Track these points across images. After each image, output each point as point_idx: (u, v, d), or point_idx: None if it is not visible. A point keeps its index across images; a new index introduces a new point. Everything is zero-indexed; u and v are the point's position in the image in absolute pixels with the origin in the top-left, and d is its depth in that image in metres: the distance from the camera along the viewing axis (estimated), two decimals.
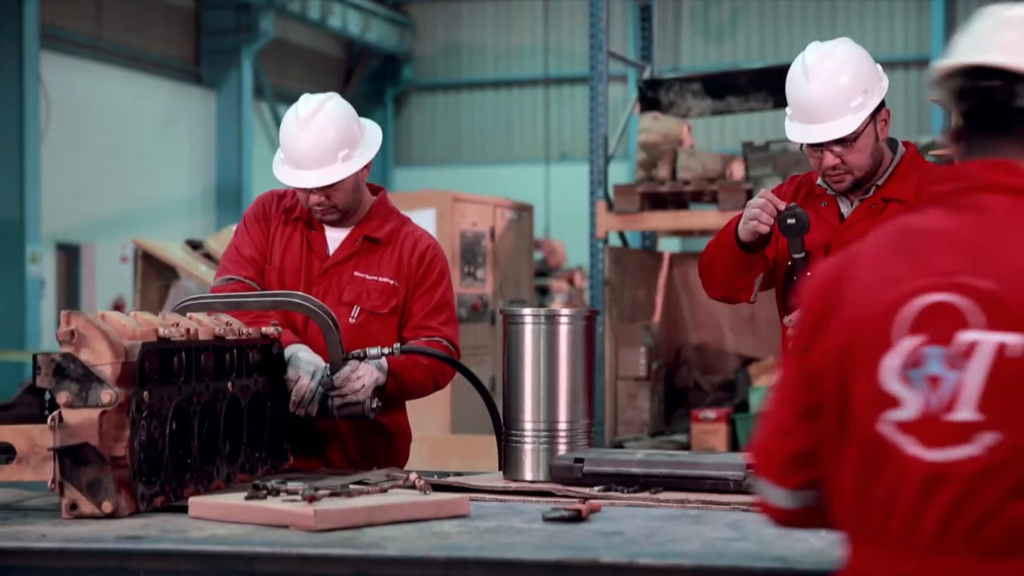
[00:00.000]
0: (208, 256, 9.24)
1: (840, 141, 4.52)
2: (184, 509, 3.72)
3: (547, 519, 3.45)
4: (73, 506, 3.61)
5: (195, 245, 9.52)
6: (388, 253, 4.98)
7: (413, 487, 3.74)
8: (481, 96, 26.98)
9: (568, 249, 20.50)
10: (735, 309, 10.47)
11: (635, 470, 3.92)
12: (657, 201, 9.93)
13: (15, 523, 3.56)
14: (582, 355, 4.22)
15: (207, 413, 4.09)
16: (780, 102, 9.63)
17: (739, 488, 3.78)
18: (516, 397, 4.23)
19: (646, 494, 3.81)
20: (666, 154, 9.65)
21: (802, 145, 4.67)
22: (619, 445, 10.02)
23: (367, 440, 4.94)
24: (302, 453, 4.79)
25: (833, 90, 4.50)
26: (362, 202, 5.00)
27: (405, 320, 4.96)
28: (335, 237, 5.00)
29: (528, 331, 4.23)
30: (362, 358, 4.62)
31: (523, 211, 11.73)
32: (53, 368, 3.64)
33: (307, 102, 4.90)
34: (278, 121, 24.06)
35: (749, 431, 4.82)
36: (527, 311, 4.25)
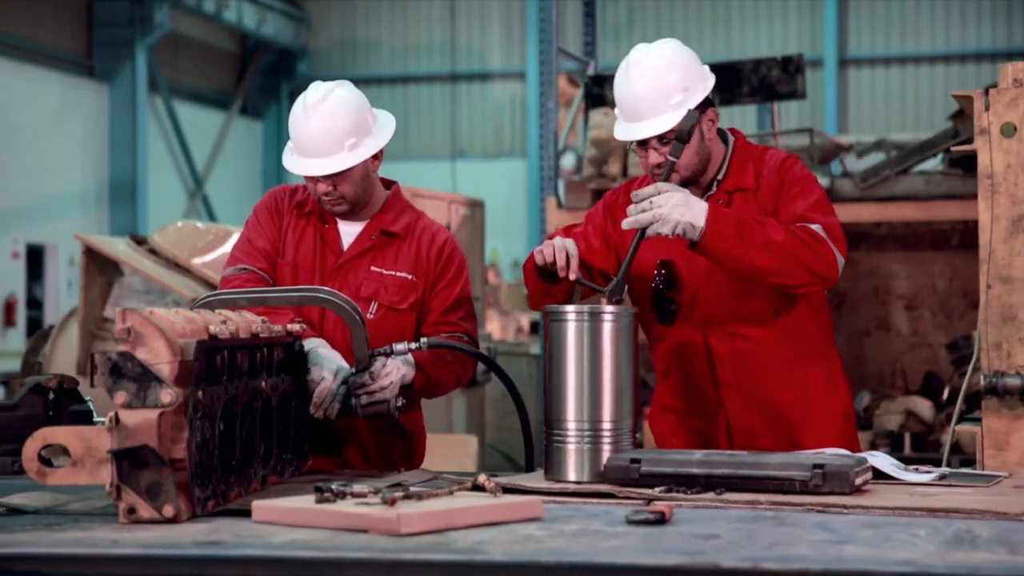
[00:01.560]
0: (153, 252, 9.04)
1: (663, 138, 4.54)
2: (238, 513, 3.60)
3: (631, 521, 3.37)
4: (131, 510, 3.47)
5: (139, 240, 9.31)
6: (405, 247, 4.88)
7: (481, 489, 3.64)
8: (378, 92, 26.76)
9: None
10: None
11: (695, 471, 3.84)
12: None
13: (73, 528, 3.41)
14: (627, 353, 4.15)
15: (246, 413, 3.98)
16: (726, 99, 9.70)
17: (805, 488, 3.72)
18: (559, 396, 4.13)
19: (711, 495, 3.74)
20: (617, 150, 9.62)
21: (629, 146, 4.70)
22: None
23: (385, 440, 4.84)
24: (320, 453, 4.67)
25: (653, 88, 4.54)
26: (373, 194, 4.90)
27: (424, 316, 4.86)
28: (349, 231, 4.89)
29: (571, 328, 4.14)
30: (389, 354, 4.51)
31: (475, 207, 11.64)
32: (110, 367, 3.49)
33: (316, 89, 4.80)
34: (172, 116, 23.77)
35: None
36: (570, 308, 4.16)
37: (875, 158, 9.77)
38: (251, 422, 4.01)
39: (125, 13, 22.79)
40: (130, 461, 3.46)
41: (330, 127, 4.71)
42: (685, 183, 4.60)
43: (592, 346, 4.12)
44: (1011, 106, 4.77)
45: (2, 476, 4.56)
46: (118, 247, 9.05)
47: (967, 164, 5.04)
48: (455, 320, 4.87)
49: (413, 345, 4.53)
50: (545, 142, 9.72)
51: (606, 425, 4.11)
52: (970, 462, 6.00)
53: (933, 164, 9.49)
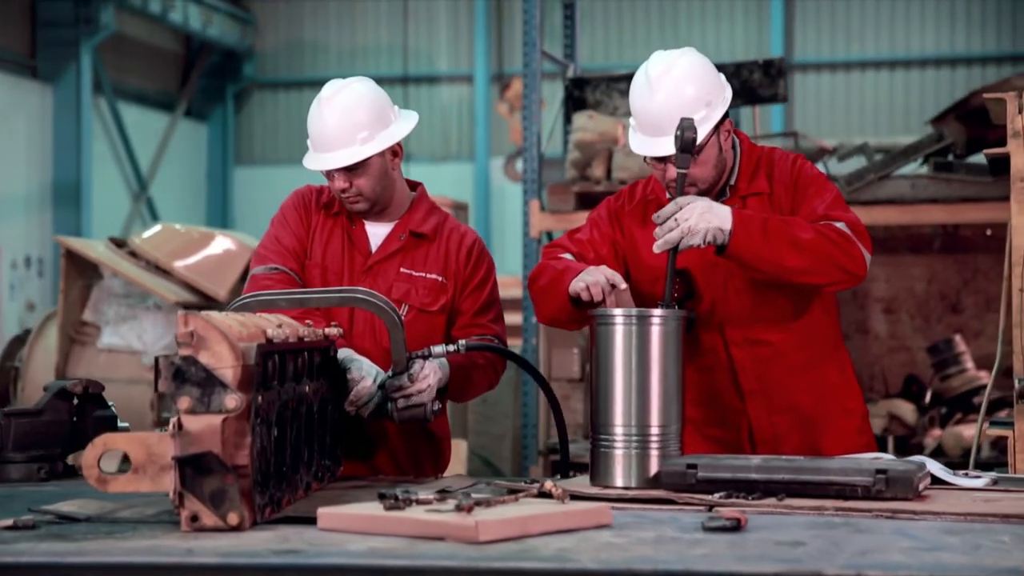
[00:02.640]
0: (133, 254, 8.92)
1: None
2: (296, 520, 3.52)
3: (708, 528, 3.32)
4: (194, 518, 3.38)
5: (119, 243, 9.19)
6: (434, 249, 4.82)
7: (548, 495, 3.59)
8: None
9: None
10: None
11: (755, 476, 3.80)
12: (592, 201, 9.82)
13: (137, 536, 3.33)
14: (675, 356, 4.10)
15: (294, 419, 3.91)
16: None
17: (868, 494, 3.69)
18: (606, 400, 4.07)
19: (772, 501, 3.71)
20: (601, 153, 9.57)
21: (648, 158, 4.60)
22: (554, 449, 9.89)
23: (415, 445, 4.79)
24: (350, 458, 4.61)
25: (677, 103, 4.45)
26: (396, 193, 4.84)
27: (454, 318, 4.81)
28: (377, 232, 4.83)
29: (619, 332, 4.09)
30: (427, 357, 4.45)
31: (459, 210, 11.59)
32: (173, 371, 3.41)
33: (331, 84, 4.79)
34: (117, 117, 23.52)
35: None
36: (618, 311, 4.11)
37: (857, 162, 9.80)
38: (298, 427, 3.94)
39: (70, 13, 22.50)
40: (193, 468, 3.38)
41: (343, 121, 4.67)
42: (701, 195, 4.53)
43: (640, 349, 4.07)
44: None
45: (29, 483, 4.48)
46: (98, 250, 8.94)
47: (996, 167, 5.01)
48: (485, 322, 4.82)
49: (451, 347, 4.46)
50: (529, 144, 9.65)
51: (654, 430, 4.06)
52: (960, 465, 5.99)
53: (912, 168, 9.51)
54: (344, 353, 4.45)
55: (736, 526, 3.32)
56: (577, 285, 4.33)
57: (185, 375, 3.41)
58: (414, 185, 4.96)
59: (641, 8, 25.49)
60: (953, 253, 10.56)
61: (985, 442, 8.07)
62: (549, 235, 10.25)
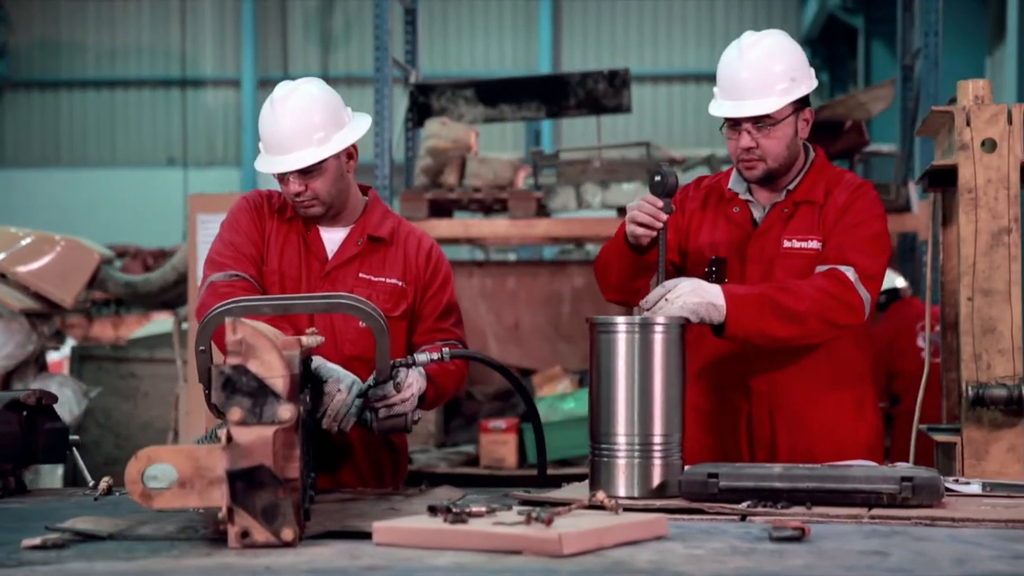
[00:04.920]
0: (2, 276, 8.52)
1: (759, 123, 4.58)
2: (342, 535, 3.39)
3: (776, 539, 3.29)
4: (245, 534, 3.23)
5: None
6: (392, 253, 4.72)
7: (601, 507, 3.51)
8: (82, 96, 25.92)
9: None
10: (499, 318, 10.40)
11: (778, 485, 3.79)
12: (445, 208, 9.74)
13: (190, 555, 3.17)
14: (676, 364, 4.06)
15: (306, 430, 3.77)
16: (553, 111, 9.69)
17: (892, 501, 3.71)
18: (608, 409, 4.01)
19: (801, 509, 3.70)
20: (454, 160, 9.48)
21: (722, 127, 4.71)
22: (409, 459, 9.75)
23: (377, 456, 4.69)
24: (315, 470, 4.45)
25: (763, 70, 4.59)
26: (350, 198, 4.73)
27: (415, 324, 4.70)
28: (332, 238, 4.70)
29: (622, 340, 4.03)
30: (411, 365, 4.33)
31: None
32: (223, 381, 3.25)
33: (283, 86, 4.65)
34: None
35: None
36: (620, 319, 4.06)
37: (701, 171, 9.92)
38: (307, 439, 3.81)
39: None
40: (245, 482, 3.23)
41: (297, 122, 4.55)
42: (768, 175, 4.64)
43: (643, 358, 4.02)
44: (991, 122, 4.88)
45: None
46: None
47: (936, 179, 5.11)
48: (448, 327, 4.74)
49: (435, 355, 4.36)
50: (381, 151, 9.51)
51: (657, 439, 4.01)
52: None
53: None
54: (317, 362, 4.31)
55: (800, 536, 3.31)
56: (631, 229, 4.45)
57: (236, 385, 3.26)
58: (365, 189, 4.84)
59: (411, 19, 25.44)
60: None
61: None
62: None
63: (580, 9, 25.31)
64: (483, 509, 3.36)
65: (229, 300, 4.14)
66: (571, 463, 8.83)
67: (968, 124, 4.90)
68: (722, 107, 4.63)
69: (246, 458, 3.23)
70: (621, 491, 3.99)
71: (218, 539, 3.33)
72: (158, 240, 18.61)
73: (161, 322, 13.13)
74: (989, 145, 4.88)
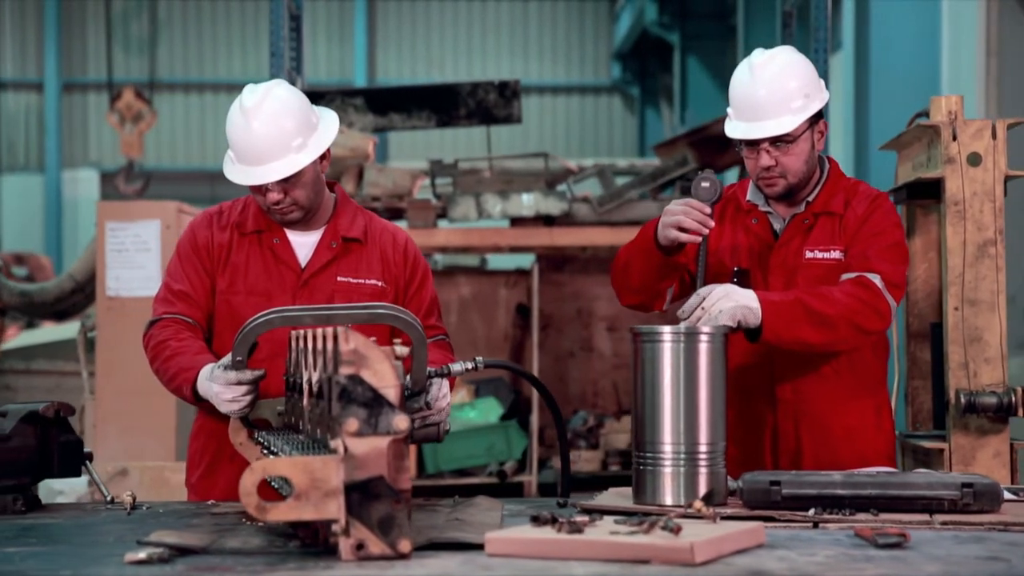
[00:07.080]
0: None
1: (777, 141, 4.63)
2: (444, 547, 3.36)
3: (881, 545, 3.34)
4: (360, 546, 3.18)
5: None
6: (368, 253, 4.67)
7: (699, 517, 3.53)
8: None
9: None
10: None
11: (841, 492, 3.84)
12: None
13: (307, 567, 3.11)
14: (721, 373, 4.10)
15: None
16: (443, 120, 9.66)
17: (954, 508, 3.79)
18: (653, 418, 4.03)
19: (867, 515, 3.76)
20: (351, 168, 9.38)
21: (739, 146, 4.74)
22: None
23: None
24: None
25: (777, 89, 4.62)
26: (323, 199, 4.66)
27: None
28: (302, 243, 4.64)
29: (667, 349, 4.06)
30: (446, 375, 4.29)
31: None
32: (339, 391, 3.19)
33: (251, 92, 4.50)
34: None
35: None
36: (666, 329, 4.08)
37: (591, 184, 9.97)
38: None
39: None
40: (361, 493, 3.18)
41: (272, 130, 4.44)
42: (789, 191, 4.67)
43: (688, 367, 4.05)
44: (976, 136, 5.03)
45: (6, 515, 4.10)
46: None
47: (915, 191, 5.24)
48: (434, 323, 4.71)
49: (469, 364, 4.32)
50: None
51: (703, 448, 4.04)
52: None
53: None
54: None
55: (902, 542, 3.36)
56: (666, 233, 4.47)
57: (351, 395, 3.21)
58: (331, 185, 4.78)
59: (222, 21, 25.19)
60: None
61: None
62: None
63: (395, 19, 25.28)
64: (585, 519, 3.36)
65: (272, 309, 4.07)
66: (470, 473, 8.81)
67: (955, 138, 5.03)
68: (738, 128, 4.66)
69: (361, 469, 3.18)
70: (668, 499, 4.01)
71: (322, 552, 3.27)
72: None
73: (41, 331, 12.66)
74: (974, 159, 5.02)
